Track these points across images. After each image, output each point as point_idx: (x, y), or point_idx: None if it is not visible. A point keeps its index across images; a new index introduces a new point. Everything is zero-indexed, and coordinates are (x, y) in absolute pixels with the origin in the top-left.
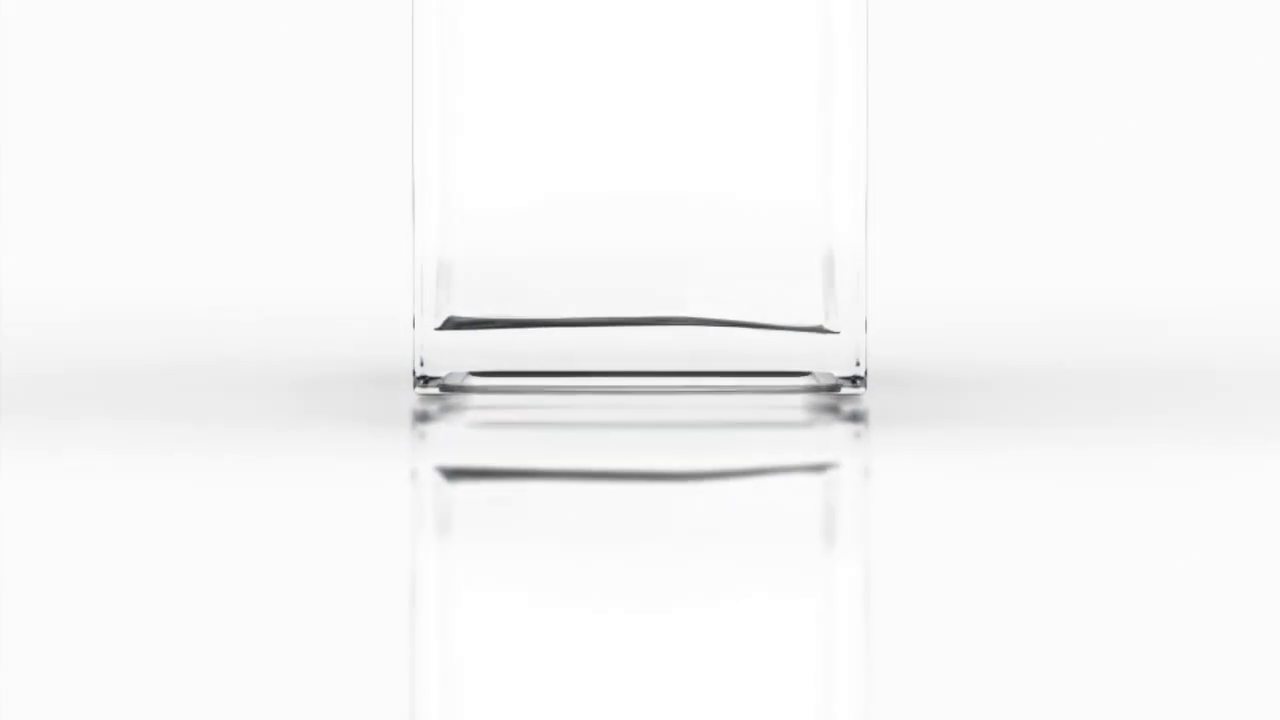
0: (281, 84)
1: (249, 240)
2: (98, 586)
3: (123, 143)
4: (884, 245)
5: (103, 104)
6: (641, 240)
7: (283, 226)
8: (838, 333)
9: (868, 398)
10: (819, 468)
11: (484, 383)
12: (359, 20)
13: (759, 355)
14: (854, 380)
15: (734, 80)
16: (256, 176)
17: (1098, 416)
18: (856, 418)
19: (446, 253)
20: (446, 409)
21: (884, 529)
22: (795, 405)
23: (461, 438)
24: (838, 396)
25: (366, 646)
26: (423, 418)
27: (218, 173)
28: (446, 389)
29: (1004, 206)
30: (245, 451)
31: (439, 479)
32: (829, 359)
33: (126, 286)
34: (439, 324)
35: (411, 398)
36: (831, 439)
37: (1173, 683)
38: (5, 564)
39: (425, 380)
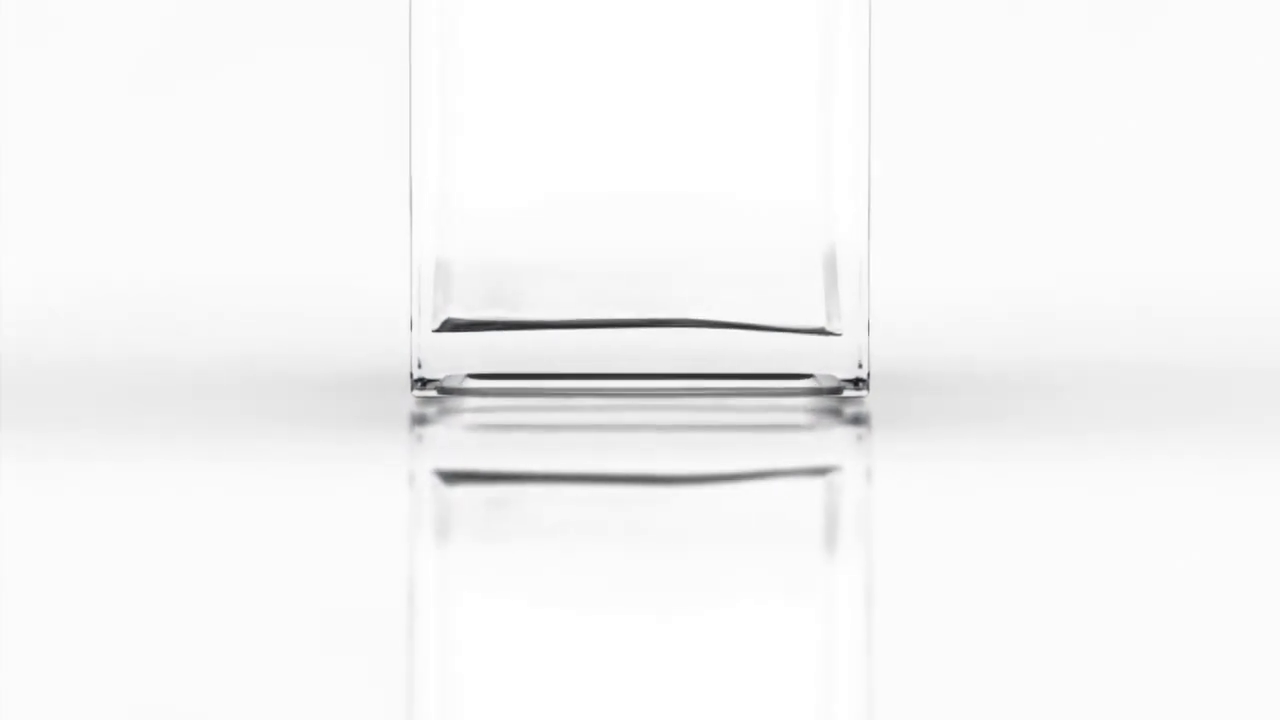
0: (279, 83)
1: (245, 240)
2: (90, 592)
3: (119, 141)
4: (886, 245)
5: (100, 103)
6: (642, 241)
7: (279, 226)
8: (840, 334)
9: (870, 400)
10: (821, 471)
11: (482, 385)
12: (357, 19)
13: (760, 357)
14: (856, 383)
15: (734, 79)
16: (253, 176)
17: (1104, 418)
18: (859, 420)
19: (445, 253)
20: (444, 411)
21: (886, 533)
22: (797, 408)
23: (459, 440)
24: (840, 399)
25: (364, 651)
26: (420, 420)
27: (212, 171)
28: (444, 391)
29: (1008, 205)
30: (241, 454)
31: (437, 482)
32: (831, 361)
33: (120, 285)
34: (437, 326)
35: (409, 400)
36: (834, 442)
37: (1174, 686)
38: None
39: (423, 382)
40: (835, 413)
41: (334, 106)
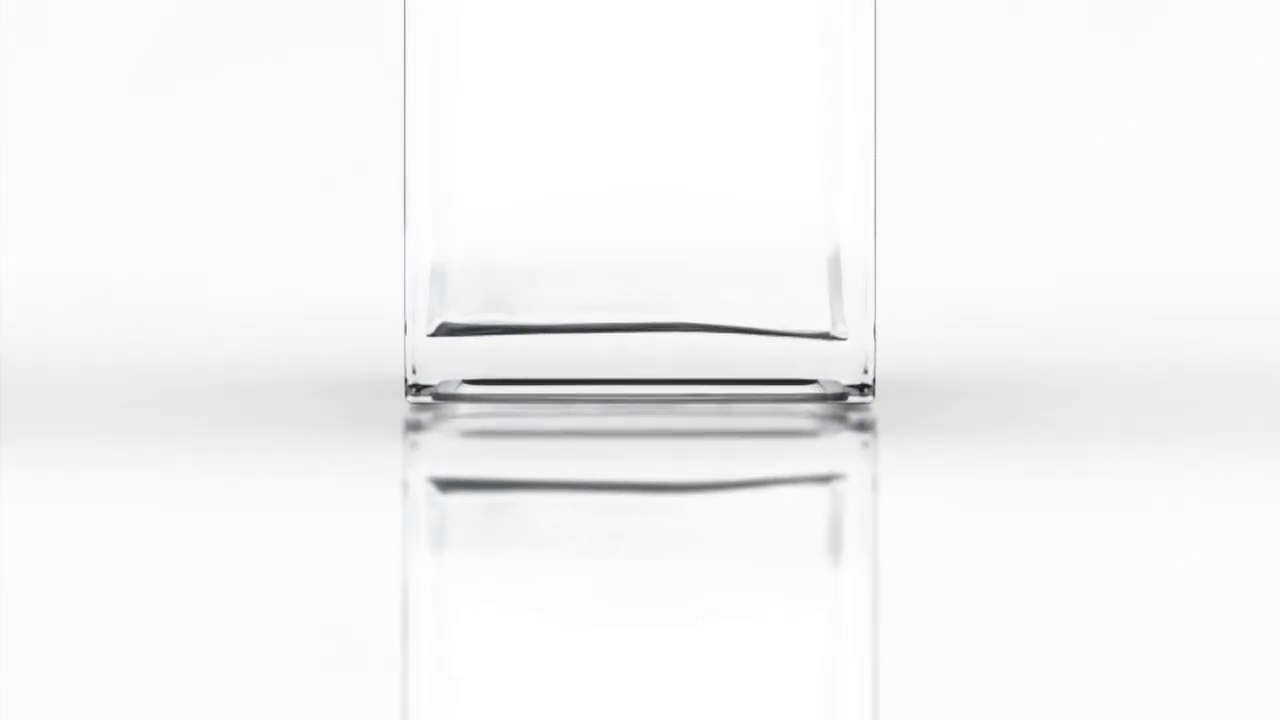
0: (276, 84)
1: (238, 243)
2: (80, 603)
3: (119, 141)
4: (893, 248)
5: (100, 103)
6: (642, 243)
7: (272, 229)
8: (845, 339)
9: (876, 406)
10: (825, 479)
11: (478, 391)
12: (353, 20)
13: (763, 362)
14: (862, 389)
15: (737, 79)
16: (248, 177)
17: (1114, 426)
18: (864, 427)
19: (440, 256)
20: (439, 418)
21: (892, 542)
22: (801, 414)
23: (454, 448)
24: (845, 405)
25: (358, 661)
26: (414, 427)
27: (208, 173)
28: (439, 397)
29: (1013, 207)
30: (233, 461)
31: (431, 490)
32: (836, 366)
33: (110, 288)
34: (431, 330)
35: (403, 406)
36: (838, 449)
37: (1184, 695)
38: None
39: (417, 388)
40: (840, 419)
41: (329, 107)
